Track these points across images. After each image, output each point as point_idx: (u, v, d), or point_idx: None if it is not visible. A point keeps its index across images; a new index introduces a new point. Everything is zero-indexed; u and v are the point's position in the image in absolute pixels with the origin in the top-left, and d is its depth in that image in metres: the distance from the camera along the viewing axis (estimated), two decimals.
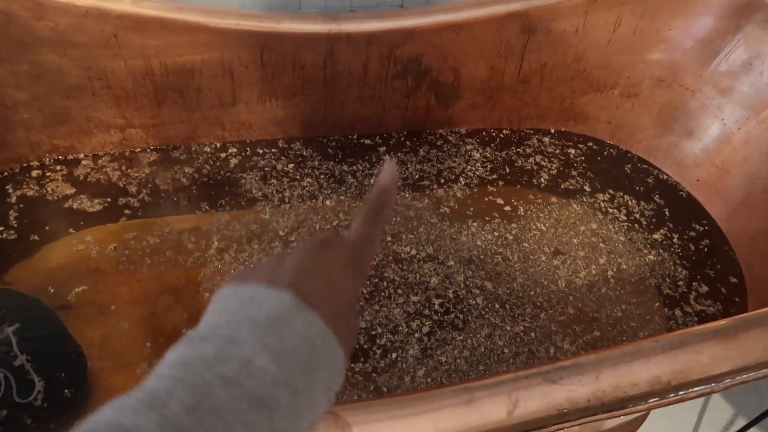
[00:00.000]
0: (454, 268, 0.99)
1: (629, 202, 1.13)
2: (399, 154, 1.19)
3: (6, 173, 1.05)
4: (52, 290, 0.89)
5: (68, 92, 1.04)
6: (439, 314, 0.92)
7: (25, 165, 1.07)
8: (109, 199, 1.03)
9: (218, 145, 1.16)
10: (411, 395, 0.59)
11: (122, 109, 1.09)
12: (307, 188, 1.09)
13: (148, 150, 1.14)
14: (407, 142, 1.22)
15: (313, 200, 1.07)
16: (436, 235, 1.04)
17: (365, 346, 0.87)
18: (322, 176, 1.12)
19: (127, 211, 1.01)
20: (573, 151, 1.25)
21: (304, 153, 1.17)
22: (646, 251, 1.04)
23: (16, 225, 0.97)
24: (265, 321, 0.26)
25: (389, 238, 1.02)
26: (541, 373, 0.61)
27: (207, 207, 1.04)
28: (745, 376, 0.61)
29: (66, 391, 0.78)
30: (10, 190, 1.02)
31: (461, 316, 0.92)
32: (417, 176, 1.15)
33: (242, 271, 0.32)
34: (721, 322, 0.63)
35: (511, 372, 0.61)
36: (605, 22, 1.17)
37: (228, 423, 0.23)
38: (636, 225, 1.09)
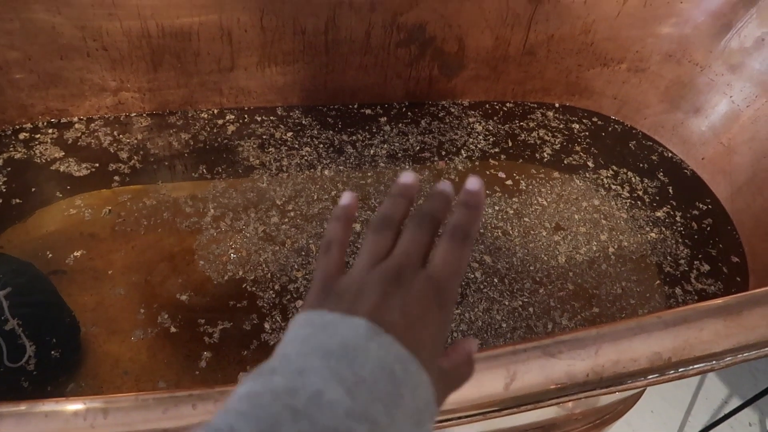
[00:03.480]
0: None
1: (633, 178, 1.12)
2: (400, 125, 1.17)
3: None
4: (49, 255, 0.88)
5: (62, 52, 1.01)
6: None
7: (17, 127, 1.05)
8: (97, 164, 1.01)
9: (216, 111, 1.13)
10: None
11: (117, 72, 1.07)
12: (305, 157, 1.07)
13: (144, 115, 1.11)
14: (408, 113, 1.20)
15: (312, 170, 1.05)
16: None
17: None
18: (321, 146, 1.10)
19: (116, 178, 0.99)
20: (577, 126, 1.22)
21: (303, 121, 1.14)
22: (648, 229, 1.02)
23: (5, 189, 0.95)
24: (339, 350, 0.24)
25: None
26: (540, 347, 0.60)
27: (203, 173, 1.02)
28: (746, 354, 0.60)
29: (58, 356, 0.77)
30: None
31: (459, 290, 0.91)
32: (418, 148, 1.12)
33: (318, 298, 0.29)
34: (725, 298, 0.61)
35: (509, 345, 0.60)
36: None
37: None
38: (639, 202, 1.07)
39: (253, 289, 0.87)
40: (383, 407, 0.23)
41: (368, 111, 1.19)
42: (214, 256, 0.90)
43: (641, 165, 1.15)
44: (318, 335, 0.25)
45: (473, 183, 0.32)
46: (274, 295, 0.86)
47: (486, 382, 0.58)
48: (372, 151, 1.10)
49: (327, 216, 0.98)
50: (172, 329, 0.82)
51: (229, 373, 0.78)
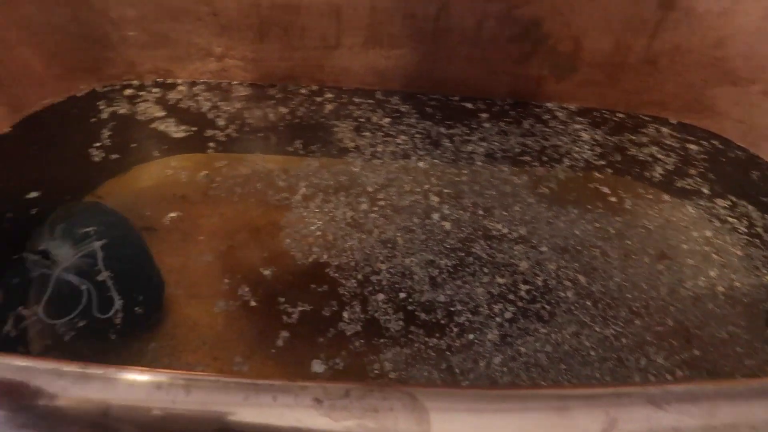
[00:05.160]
0: (547, 254, 0.92)
1: (752, 213, 1.02)
2: (501, 124, 1.11)
3: (104, 89, 1.05)
4: (144, 211, 0.89)
5: (174, 14, 1.02)
6: (524, 301, 0.86)
7: (125, 83, 1.07)
8: (195, 128, 1.01)
9: (315, 88, 1.12)
10: (496, 390, 0.54)
11: (224, 39, 1.07)
12: (401, 146, 1.04)
13: (244, 84, 1.11)
14: (511, 112, 1.14)
15: (406, 159, 1.02)
16: (531, 216, 0.97)
17: (442, 322, 0.82)
18: (418, 135, 1.06)
19: (211, 144, 1.00)
20: (694, 147, 1.13)
21: (402, 108, 1.11)
22: (764, 271, 0.93)
23: (108, 143, 0.97)
24: None
25: (480, 212, 0.96)
26: (646, 394, 0.54)
27: (298, 149, 1.01)
28: None
29: (142, 312, 0.78)
30: (102, 107, 1.03)
31: (548, 307, 0.86)
32: (518, 150, 1.07)
33: None
34: None
35: (611, 385, 0.55)
36: (758, 7, 1.03)
37: None
38: (757, 240, 0.97)
39: (336, 275, 0.85)
40: None
41: (469, 105, 1.14)
42: (300, 235, 0.89)
43: (764, 199, 1.04)
44: None
45: None
46: (356, 285, 0.84)
47: (582, 423, 0.53)
48: (469, 148, 1.05)
49: (417, 209, 0.94)
50: (252, 303, 0.81)
51: (302, 358, 0.77)
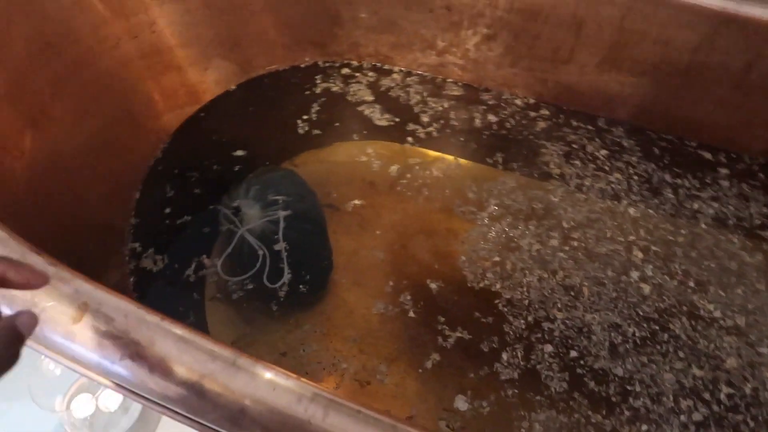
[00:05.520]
0: (766, 359, 0.74)
1: None
2: (743, 185, 0.92)
3: (325, 64, 1.08)
4: (329, 189, 0.90)
5: (409, 2, 1.01)
6: (722, 407, 0.70)
7: (344, 62, 1.09)
8: (398, 119, 0.99)
9: (531, 101, 1.03)
10: None
11: (450, 34, 1.03)
12: (612, 184, 0.91)
13: (459, 84, 1.06)
14: (760, 174, 0.95)
15: (615, 201, 0.89)
16: (756, 305, 0.79)
17: (613, 399, 0.70)
18: (635, 177, 0.92)
19: (410, 138, 0.97)
20: None
21: (624, 143, 0.98)
22: None
23: (314, 117, 0.99)
24: None
25: (691, 284, 0.81)
26: None
27: (497, 162, 0.94)
28: None
29: (305, 291, 0.78)
30: (318, 81, 1.05)
31: (752, 424, 0.69)
32: (758, 222, 0.88)
33: None
34: None
35: None
36: None
37: None
38: None
39: (505, 309, 0.77)
40: None
41: (708, 155, 0.97)
42: (477, 255, 0.82)
43: None
44: None
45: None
46: (524, 326, 0.75)
47: None
48: (696, 205, 0.89)
49: (614, 260, 0.82)
50: (411, 314, 0.77)
51: (447, 387, 0.71)
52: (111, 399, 0.77)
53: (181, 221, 0.84)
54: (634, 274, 0.81)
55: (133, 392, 0.37)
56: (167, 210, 0.84)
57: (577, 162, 0.94)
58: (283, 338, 0.75)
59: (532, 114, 1.01)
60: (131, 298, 0.75)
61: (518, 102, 1.03)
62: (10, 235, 0.37)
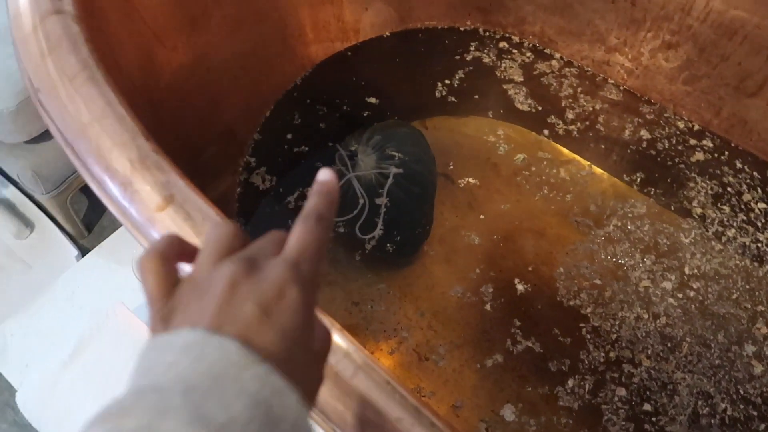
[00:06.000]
0: None
1: None
2: None
3: (485, 33, 1.03)
4: (448, 159, 0.87)
5: None
6: None
7: (505, 35, 1.04)
8: (540, 108, 0.93)
9: (695, 127, 0.92)
10: None
11: (626, 32, 0.93)
12: (759, 244, 0.80)
13: (620, 88, 0.97)
14: None
15: (755, 263, 0.78)
16: None
17: None
18: None
19: (546, 131, 0.91)
20: None
21: None
22: None
23: (456, 84, 0.95)
24: (205, 382, 0.20)
25: None
26: None
27: (634, 181, 0.86)
28: None
29: (391, 251, 0.78)
30: (472, 48, 1.01)
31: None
32: None
33: (170, 309, 0.24)
34: None
35: None
36: None
37: None
38: None
39: (588, 336, 0.71)
40: None
41: None
42: (576, 272, 0.77)
43: None
44: (179, 362, 0.21)
45: (324, 174, 0.28)
46: (602, 360, 0.70)
47: None
48: None
49: (731, 325, 0.72)
50: (488, 307, 0.74)
51: (499, 393, 0.68)
52: None
53: (299, 150, 0.86)
54: (749, 348, 0.71)
55: None
56: (289, 135, 0.87)
57: (726, 208, 0.83)
58: (360, 289, 0.75)
59: (692, 141, 0.90)
60: (233, 207, 0.79)
61: (680, 124, 0.92)
62: (128, 114, 0.40)
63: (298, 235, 0.27)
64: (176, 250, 0.27)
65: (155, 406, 0.20)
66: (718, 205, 0.83)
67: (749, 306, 0.74)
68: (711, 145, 0.90)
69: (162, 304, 0.25)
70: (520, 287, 0.75)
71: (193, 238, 0.37)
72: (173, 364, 0.21)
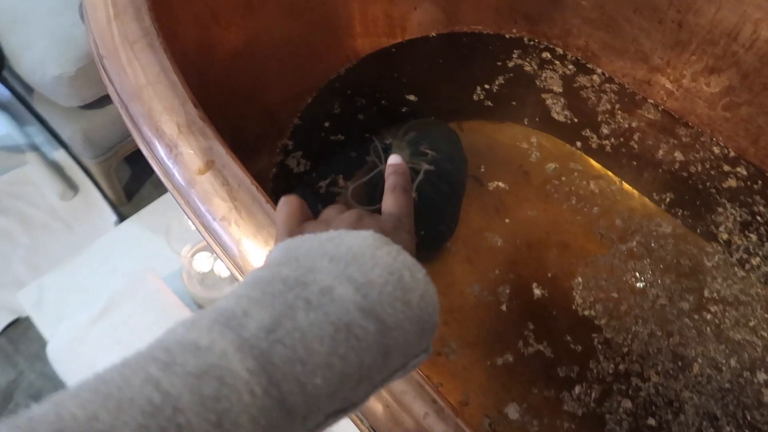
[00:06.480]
0: None
1: None
2: None
3: (529, 42, 1.05)
4: (480, 162, 0.89)
5: (639, 6, 0.93)
6: None
7: (548, 45, 1.05)
8: (576, 120, 0.94)
9: (732, 155, 0.92)
10: None
11: (670, 54, 0.94)
12: None
13: (658, 108, 0.98)
14: None
15: None
16: None
17: None
18: None
19: (579, 143, 0.92)
20: None
21: None
22: None
23: (495, 89, 0.97)
24: (346, 256, 0.24)
25: None
26: None
27: (662, 201, 0.86)
28: None
29: (416, 245, 0.80)
30: (515, 56, 1.02)
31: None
32: None
33: (315, 225, 0.30)
34: None
35: None
36: None
37: (310, 348, 0.21)
38: None
39: (600, 347, 0.72)
40: (391, 309, 0.23)
41: None
42: (595, 283, 0.78)
43: None
44: (324, 245, 0.25)
45: (394, 158, 0.36)
46: (611, 371, 0.71)
47: None
48: None
49: (745, 351, 0.73)
50: (503, 307, 0.76)
51: (505, 391, 0.70)
52: (224, 266, 0.86)
53: (335, 138, 0.89)
54: (761, 376, 0.71)
55: (223, 256, 0.42)
56: (327, 123, 0.90)
57: (753, 236, 0.83)
58: None
59: (726, 168, 0.90)
60: (267, 186, 0.82)
61: (716, 149, 0.92)
62: (180, 81, 0.43)
63: (392, 200, 0.33)
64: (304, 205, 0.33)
65: (305, 264, 0.24)
66: (746, 232, 0.83)
67: (766, 335, 0.74)
68: (745, 173, 0.89)
69: (294, 227, 0.30)
70: (537, 292, 0.77)
71: (227, 202, 0.40)
72: (316, 247, 0.25)
